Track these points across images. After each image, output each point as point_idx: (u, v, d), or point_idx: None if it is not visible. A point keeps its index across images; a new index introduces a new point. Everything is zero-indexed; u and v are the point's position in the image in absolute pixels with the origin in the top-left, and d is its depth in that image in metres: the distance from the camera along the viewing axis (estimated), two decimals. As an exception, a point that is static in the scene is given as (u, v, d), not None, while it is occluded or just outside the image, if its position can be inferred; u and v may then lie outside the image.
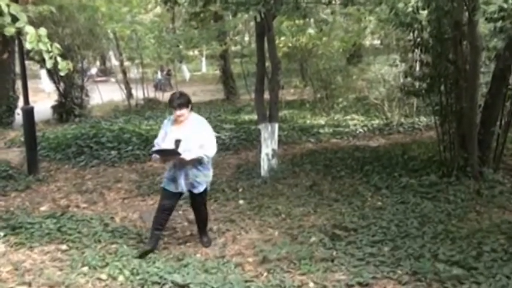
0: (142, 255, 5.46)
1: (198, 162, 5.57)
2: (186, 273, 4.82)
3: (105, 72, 28.76)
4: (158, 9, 21.15)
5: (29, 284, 4.90)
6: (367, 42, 20.88)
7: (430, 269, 4.59)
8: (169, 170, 5.71)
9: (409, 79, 8.63)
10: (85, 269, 5.17)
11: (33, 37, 4.24)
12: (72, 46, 14.80)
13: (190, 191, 5.74)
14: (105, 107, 18.76)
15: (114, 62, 31.02)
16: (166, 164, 5.82)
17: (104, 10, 16.05)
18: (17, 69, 15.26)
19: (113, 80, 23.23)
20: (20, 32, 4.82)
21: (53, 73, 15.48)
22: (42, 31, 4.38)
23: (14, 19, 4.30)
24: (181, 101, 5.54)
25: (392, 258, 4.99)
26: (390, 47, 15.65)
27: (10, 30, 4.39)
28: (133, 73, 23.77)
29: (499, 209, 6.46)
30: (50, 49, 4.34)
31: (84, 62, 16.05)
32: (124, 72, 20.43)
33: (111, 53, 30.73)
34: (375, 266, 4.85)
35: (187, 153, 5.45)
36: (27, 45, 4.28)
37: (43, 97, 19.51)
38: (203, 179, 5.74)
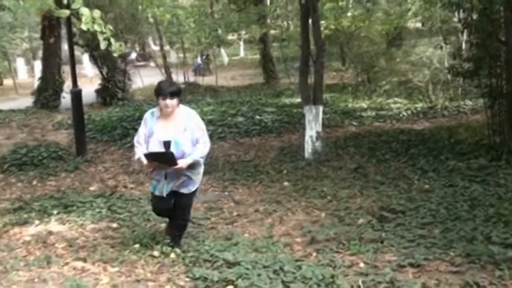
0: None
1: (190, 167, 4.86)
2: (236, 252, 4.87)
3: (145, 57, 29.12)
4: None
5: (84, 260, 5.03)
6: (409, 24, 20.52)
7: (483, 251, 4.51)
8: (157, 173, 4.90)
9: (457, 60, 8.44)
10: (137, 246, 5.27)
11: (88, 18, 4.32)
12: (116, 30, 14.98)
13: (176, 192, 4.96)
14: (146, 91, 18.99)
15: (153, 47, 31.39)
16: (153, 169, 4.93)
17: (144, -5, 16.21)
18: (63, 54, 15.68)
19: (152, 64, 23.52)
20: (72, 15, 4.94)
21: (96, 58, 15.77)
22: (96, 13, 4.47)
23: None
24: (174, 89, 4.77)
25: (444, 240, 4.93)
26: (433, 29, 15.30)
27: (65, 13, 4.49)
28: (173, 58, 24.02)
29: (552, 193, 6.28)
30: (104, 30, 4.42)
31: (126, 46, 16.26)
32: (164, 57, 20.64)
33: (150, 38, 31.14)
34: (426, 247, 4.79)
35: (181, 160, 4.73)
36: (83, 26, 4.38)
37: (85, 82, 19.87)
38: (197, 177, 5.04)
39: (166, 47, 22.42)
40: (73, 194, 7.25)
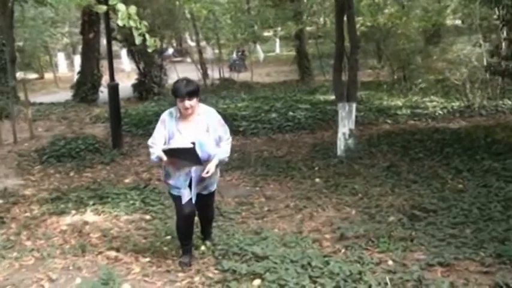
0: (181, 266, 4.70)
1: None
2: (265, 246, 4.92)
3: (181, 52, 29.41)
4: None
5: (117, 250, 5.18)
6: (448, 21, 20.17)
7: (515, 251, 4.46)
8: (176, 174, 4.59)
9: (495, 58, 8.28)
10: (168, 237, 5.40)
11: (124, 14, 4.44)
12: (153, 26, 15.21)
13: (198, 194, 4.73)
14: (182, 86, 19.20)
15: (190, 43, 31.69)
16: (172, 168, 4.60)
17: (183, -10, 16.39)
18: (101, 48, 16.02)
19: (188, 60, 23.73)
20: (109, 10, 5.06)
21: (134, 53, 16.04)
22: (132, 9, 4.58)
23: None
24: (192, 89, 4.43)
25: (475, 240, 4.87)
26: (472, 27, 15.01)
27: (102, 8, 4.62)
28: (209, 53, 24.20)
29: None
30: (139, 26, 4.53)
31: (163, 42, 16.49)
32: (200, 53, 20.82)
33: (187, 34, 31.43)
34: (456, 247, 4.75)
35: (209, 165, 4.46)
36: (119, 22, 4.50)
37: (123, 76, 20.24)
38: (216, 178, 4.84)
39: (203, 43, 22.59)
40: (108, 186, 7.44)
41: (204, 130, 4.52)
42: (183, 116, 4.52)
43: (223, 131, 4.66)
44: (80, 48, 25.13)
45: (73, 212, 6.42)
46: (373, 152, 8.65)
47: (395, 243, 4.97)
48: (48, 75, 25.79)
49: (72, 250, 5.19)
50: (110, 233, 5.70)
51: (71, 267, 4.79)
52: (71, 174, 8.38)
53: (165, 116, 4.61)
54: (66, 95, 16.89)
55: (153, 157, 4.53)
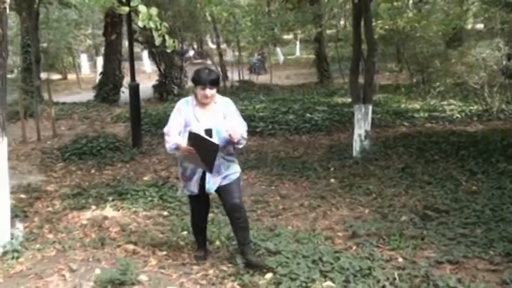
0: (196, 260, 4.81)
1: (227, 153, 4.51)
2: (278, 242, 5.05)
3: (202, 55, 29.72)
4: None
5: (135, 243, 5.34)
6: (469, 25, 20.07)
7: (524, 251, 4.53)
8: (191, 169, 4.53)
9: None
10: (185, 233, 5.55)
11: (145, 15, 4.61)
12: (174, 28, 15.46)
13: (219, 187, 4.54)
14: (201, 88, 19.43)
15: (210, 45, 31.98)
16: (184, 160, 4.54)
17: (203, -7, 16.60)
18: (123, 50, 16.30)
19: (209, 62, 23.97)
20: (131, 12, 5.24)
21: (155, 54, 16.31)
22: (154, 10, 4.76)
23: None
24: (214, 78, 4.42)
25: (485, 239, 4.95)
26: (494, 31, 14.95)
27: (125, 9, 4.80)
28: (229, 56, 24.42)
29: None
30: (159, 27, 4.70)
31: (184, 43, 16.72)
32: (220, 55, 21.04)
33: (207, 36, 31.74)
34: (466, 246, 4.83)
35: (233, 131, 4.33)
36: (139, 23, 4.67)
37: (144, 77, 20.56)
38: (237, 168, 4.66)
39: (223, 45, 22.81)
40: (128, 183, 7.64)
41: (221, 117, 4.46)
42: (200, 104, 4.46)
43: (239, 119, 4.55)
44: (102, 49, 25.65)
45: (93, 207, 6.61)
46: (388, 153, 8.73)
47: (406, 241, 5.06)
48: (71, 76, 26.24)
49: (92, 243, 5.36)
50: (129, 227, 5.86)
51: (90, 259, 4.97)
52: (92, 171, 8.60)
53: (181, 103, 4.54)
54: (88, 95, 17.23)
55: (170, 145, 4.43)
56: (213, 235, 5.34)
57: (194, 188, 4.57)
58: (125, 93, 15.26)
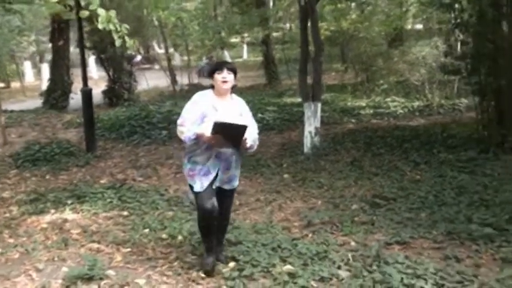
0: (204, 267, 4.51)
1: (244, 150, 4.50)
2: (238, 234, 5.29)
3: (149, 60, 29.60)
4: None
5: (98, 242, 5.46)
6: (409, 26, 20.93)
7: (463, 229, 4.95)
8: (201, 162, 4.37)
9: (449, 59, 8.86)
10: (146, 230, 5.71)
11: (104, 18, 4.78)
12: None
13: (220, 189, 4.47)
14: (151, 93, 19.50)
15: (157, 50, 31.88)
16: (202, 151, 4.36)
17: (150, -1, 16.67)
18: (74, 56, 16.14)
19: (156, 67, 23.99)
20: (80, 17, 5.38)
21: (103, 60, 16.26)
22: (112, 13, 4.94)
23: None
24: (232, 65, 4.45)
25: (429, 221, 5.37)
26: (432, 30, 15.73)
27: (84, 13, 4.95)
28: (177, 60, 24.49)
29: (535, 182, 6.68)
30: (118, 29, 4.88)
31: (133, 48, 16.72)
32: (168, 59, 21.10)
33: (154, 41, 31.61)
34: (412, 228, 5.24)
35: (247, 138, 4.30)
36: (99, 25, 4.84)
37: (91, 84, 20.26)
38: (238, 172, 4.62)
39: (171, 50, 22.87)
40: (85, 186, 7.68)
41: (238, 114, 4.38)
42: (219, 93, 4.39)
43: (253, 122, 4.53)
44: (47, 56, 25.18)
45: (52, 211, 6.65)
46: (337, 148, 9.13)
47: (357, 227, 5.43)
48: (14, 84, 25.65)
49: (55, 244, 5.44)
50: (90, 228, 5.96)
51: (55, 259, 5.06)
52: (47, 177, 8.59)
53: (197, 96, 4.46)
54: (34, 103, 16.97)
55: (188, 134, 4.27)
56: (175, 231, 5.54)
57: (200, 182, 4.36)
58: (74, 100, 15.20)
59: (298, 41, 14.67)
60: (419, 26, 23.29)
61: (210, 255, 4.51)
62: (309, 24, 9.17)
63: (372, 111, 12.38)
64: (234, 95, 4.54)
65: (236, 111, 4.41)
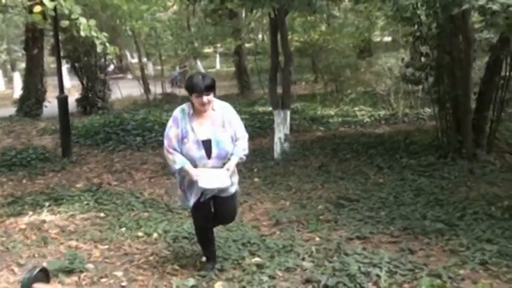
0: (205, 270, 4.63)
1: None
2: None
3: (122, 69, 29.72)
4: (175, 7, 21.99)
5: (77, 240, 5.75)
6: (377, 38, 21.62)
7: (418, 225, 5.40)
8: (190, 181, 4.32)
9: (410, 69, 9.38)
10: (123, 229, 6.02)
11: (86, 26, 5.10)
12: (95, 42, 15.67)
13: (215, 197, 4.41)
14: (124, 101, 19.67)
15: (130, 59, 32.02)
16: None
17: (124, 8, 16.91)
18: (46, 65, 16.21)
19: (129, 76, 24.15)
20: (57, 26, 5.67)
21: (77, 68, 16.43)
22: (92, 22, 5.25)
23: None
24: (210, 83, 4.16)
25: (388, 219, 5.81)
26: (399, 42, 16.35)
27: (65, 23, 5.26)
28: (150, 69, 24.71)
29: (487, 185, 7.16)
30: (99, 36, 5.19)
31: (106, 57, 16.94)
32: (142, 69, 21.32)
33: (126, 51, 31.73)
34: (372, 225, 5.66)
35: (227, 165, 4.24)
36: (82, 33, 5.15)
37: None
38: (235, 178, 4.50)
39: (144, 59, 23.08)
40: (62, 190, 7.91)
41: (220, 126, 4.25)
42: (197, 112, 4.25)
43: (239, 126, 4.38)
44: (18, 65, 25.14)
45: (30, 213, 6.86)
46: (306, 154, 9.54)
47: (322, 224, 5.83)
48: (-15, 93, 25.53)
49: (35, 242, 5.69)
50: (68, 229, 6.21)
51: (36, 255, 5.32)
52: (24, 181, 8.78)
53: (177, 113, 4.30)
54: (6, 111, 16.95)
55: (175, 166, 4.24)
56: (150, 229, 5.86)
57: (191, 196, 4.39)
58: (47, 107, 15.31)
59: (270, 52, 15.13)
60: (388, 38, 24.02)
61: (210, 263, 4.64)
62: (279, 35, 9.60)
63: (340, 119, 12.85)
64: (216, 103, 4.34)
65: (217, 124, 4.26)
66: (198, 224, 4.61)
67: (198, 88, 4.14)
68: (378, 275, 4.20)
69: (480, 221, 5.54)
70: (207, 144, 4.20)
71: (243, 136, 4.40)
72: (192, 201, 4.40)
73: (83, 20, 5.06)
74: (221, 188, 4.24)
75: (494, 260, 4.47)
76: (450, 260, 4.56)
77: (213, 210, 4.55)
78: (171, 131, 4.28)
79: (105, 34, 5.35)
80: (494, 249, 4.67)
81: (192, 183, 4.29)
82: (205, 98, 4.15)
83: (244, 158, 4.42)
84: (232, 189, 4.45)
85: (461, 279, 4.20)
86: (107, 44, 5.34)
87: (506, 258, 4.50)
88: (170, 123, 4.32)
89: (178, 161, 4.22)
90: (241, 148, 4.36)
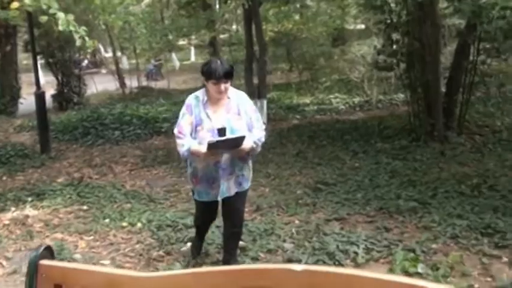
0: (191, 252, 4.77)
1: (246, 154, 4.12)
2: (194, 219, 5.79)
3: (96, 63, 29.52)
4: (148, 0, 21.94)
5: (62, 233, 5.85)
6: (350, 26, 21.88)
7: (392, 205, 5.65)
8: (202, 170, 4.10)
9: (381, 56, 9.64)
10: (107, 220, 6.13)
11: (64, 21, 5.18)
12: (70, 37, 15.60)
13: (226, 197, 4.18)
14: (100, 96, 19.62)
15: (104, 54, 31.80)
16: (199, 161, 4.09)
17: (97, 3, 16.84)
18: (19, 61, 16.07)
19: (103, 71, 24.05)
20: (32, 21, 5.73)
21: (51, 64, 16.35)
22: (70, 16, 5.33)
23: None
24: (229, 69, 3.95)
25: (364, 200, 6.05)
26: (372, 30, 16.62)
27: (44, 18, 5.33)
28: (124, 64, 24.61)
29: (458, 165, 7.47)
30: (78, 30, 5.28)
31: (81, 52, 16.91)
32: (116, 63, 21.26)
33: (99, 45, 31.49)
34: (349, 206, 5.89)
35: (245, 142, 3.93)
36: (60, 28, 5.22)
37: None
38: (248, 173, 4.34)
39: (118, 53, 22.99)
40: (43, 185, 7.96)
41: (235, 114, 4.05)
42: (212, 100, 4.04)
43: (256, 116, 4.15)
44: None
45: (13, 209, 6.89)
46: (283, 142, 9.75)
47: (301, 208, 6.03)
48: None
49: (20, 237, 5.77)
50: (52, 222, 6.29)
51: (23, 249, 5.42)
52: (4, 178, 8.79)
53: (190, 100, 4.10)
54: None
55: (183, 149, 3.98)
56: (134, 219, 5.99)
57: (205, 194, 4.21)
58: (23, 105, 15.24)
59: (244, 43, 15.29)
60: (361, 26, 24.31)
61: (198, 248, 4.74)
62: (253, 26, 9.76)
63: (315, 107, 13.08)
64: (232, 92, 4.12)
65: (233, 111, 4.06)
66: (200, 220, 4.56)
67: (217, 74, 3.89)
68: (355, 252, 4.43)
69: (451, 199, 5.82)
70: (221, 133, 3.95)
71: (260, 126, 4.15)
72: (202, 196, 4.21)
73: (61, 15, 5.14)
74: (232, 137, 3.89)
75: (464, 234, 4.75)
76: (423, 235, 4.81)
77: (222, 209, 4.35)
78: (184, 119, 4.04)
79: (84, 28, 5.42)
80: (464, 224, 4.95)
81: (205, 174, 4.09)
82: (222, 86, 3.92)
83: (260, 144, 4.14)
84: (246, 184, 4.29)
85: (434, 252, 4.46)
86: (86, 38, 5.42)
87: (475, 232, 4.78)
88: (184, 110, 4.09)
89: (186, 144, 3.97)
90: (258, 135, 4.09)
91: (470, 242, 4.62)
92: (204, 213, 4.41)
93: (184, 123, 4.03)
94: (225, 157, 4.02)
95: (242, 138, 3.87)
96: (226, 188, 4.09)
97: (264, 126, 4.23)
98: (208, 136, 3.90)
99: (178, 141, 4.04)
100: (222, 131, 3.93)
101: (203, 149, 3.85)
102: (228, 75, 3.94)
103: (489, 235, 4.75)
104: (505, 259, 4.34)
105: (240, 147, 3.90)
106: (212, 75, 3.90)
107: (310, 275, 1.43)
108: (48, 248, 1.80)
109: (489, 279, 4.08)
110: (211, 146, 3.80)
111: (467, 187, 6.17)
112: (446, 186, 6.23)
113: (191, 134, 4.02)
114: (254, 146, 4.04)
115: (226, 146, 3.91)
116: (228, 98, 4.07)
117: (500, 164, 7.26)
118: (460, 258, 4.27)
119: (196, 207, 4.47)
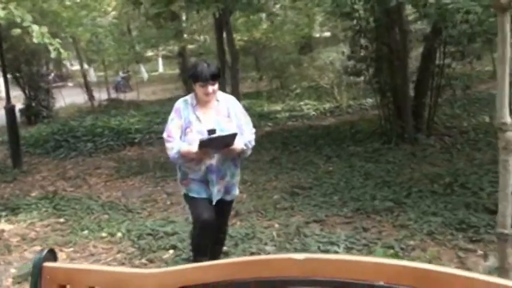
0: None
1: (237, 156, 4.14)
2: (174, 226, 5.83)
3: (62, 77, 29.19)
4: (115, 12, 21.87)
5: (40, 246, 5.80)
6: (317, 34, 22.21)
7: (369, 205, 5.79)
8: (196, 169, 4.04)
9: (351, 61, 9.84)
10: (85, 232, 6.10)
11: (38, 34, 5.19)
12: (37, 51, 15.46)
13: (219, 200, 4.12)
14: (69, 109, 19.40)
15: (69, 67, 31.47)
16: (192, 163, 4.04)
17: (64, 15, 16.71)
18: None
19: (70, 84, 23.81)
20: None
21: (18, 78, 16.14)
22: (44, 29, 5.34)
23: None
24: (215, 71, 3.95)
25: (340, 202, 6.17)
26: (338, 37, 16.91)
27: (17, 31, 5.33)
28: (92, 76, 24.41)
29: (429, 165, 7.67)
30: (53, 42, 5.29)
31: (49, 65, 16.74)
32: (84, 75, 21.08)
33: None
34: (326, 208, 6.01)
35: (236, 142, 3.92)
36: (35, 40, 5.22)
37: (4, 103, 19.93)
38: (237, 179, 4.32)
39: (85, 66, 22.81)
40: (17, 199, 7.87)
41: (225, 116, 4.05)
42: (201, 103, 4.04)
43: (246, 120, 4.18)
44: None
45: (-13, 224, 6.86)
46: (257, 149, 9.68)
47: (279, 212, 6.12)
48: None
49: (-2, 251, 5.74)
50: (29, 236, 6.22)
51: (2, 263, 5.37)
52: (-24, 194, 8.67)
53: (179, 104, 4.09)
54: None
55: (173, 152, 3.97)
56: (113, 229, 5.98)
57: (200, 190, 4.08)
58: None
59: (213, 52, 15.38)
60: (327, 34, 24.67)
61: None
62: (224, 35, 9.86)
63: (287, 114, 13.24)
64: (220, 95, 4.15)
65: (222, 114, 4.06)
66: (201, 222, 4.08)
67: (203, 76, 3.89)
68: (336, 252, 4.53)
69: (425, 198, 5.98)
70: (211, 134, 3.88)
71: (250, 130, 4.19)
72: (198, 191, 4.07)
73: (35, 28, 5.15)
74: (224, 135, 3.88)
75: (440, 230, 4.91)
76: (400, 233, 4.95)
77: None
78: (173, 123, 4.04)
79: (59, 40, 5.44)
80: (439, 220, 5.12)
81: (197, 175, 4.04)
82: (210, 88, 3.92)
83: (250, 147, 4.15)
84: (235, 192, 4.28)
85: (412, 249, 4.60)
86: (61, 50, 5.44)
87: (450, 228, 4.95)
88: (172, 115, 4.08)
89: (175, 146, 3.96)
90: (248, 138, 4.11)
91: (446, 238, 4.78)
92: (204, 212, 4.03)
93: (173, 126, 4.03)
94: (217, 159, 3.99)
95: (233, 136, 3.86)
96: (217, 191, 4.07)
97: (254, 130, 4.25)
98: (198, 138, 3.87)
99: (167, 144, 4.04)
100: (212, 132, 3.87)
101: (194, 148, 3.85)
102: (215, 77, 3.95)
103: (463, 230, 4.92)
104: (480, 252, 4.51)
105: (231, 146, 3.89)
106: (199, 77, 3.91)
107: (312, 262, 1.51)
108: (51, 251, 1.83)
109: (465, 272, 4.23)
110: (203, 144, 3.80)
111: (439, 186, 6.36)
112: (420, 186, 6.41)
113: (180, 138, 4.00)
114: (245, 148, 4.06)
115: (218, 144, 3.90)
116: (217, 100, 4.09)
117: (470, 163, 7.49)
118: (437, 254, 4.42)
119: (194, 205, 4.16)
